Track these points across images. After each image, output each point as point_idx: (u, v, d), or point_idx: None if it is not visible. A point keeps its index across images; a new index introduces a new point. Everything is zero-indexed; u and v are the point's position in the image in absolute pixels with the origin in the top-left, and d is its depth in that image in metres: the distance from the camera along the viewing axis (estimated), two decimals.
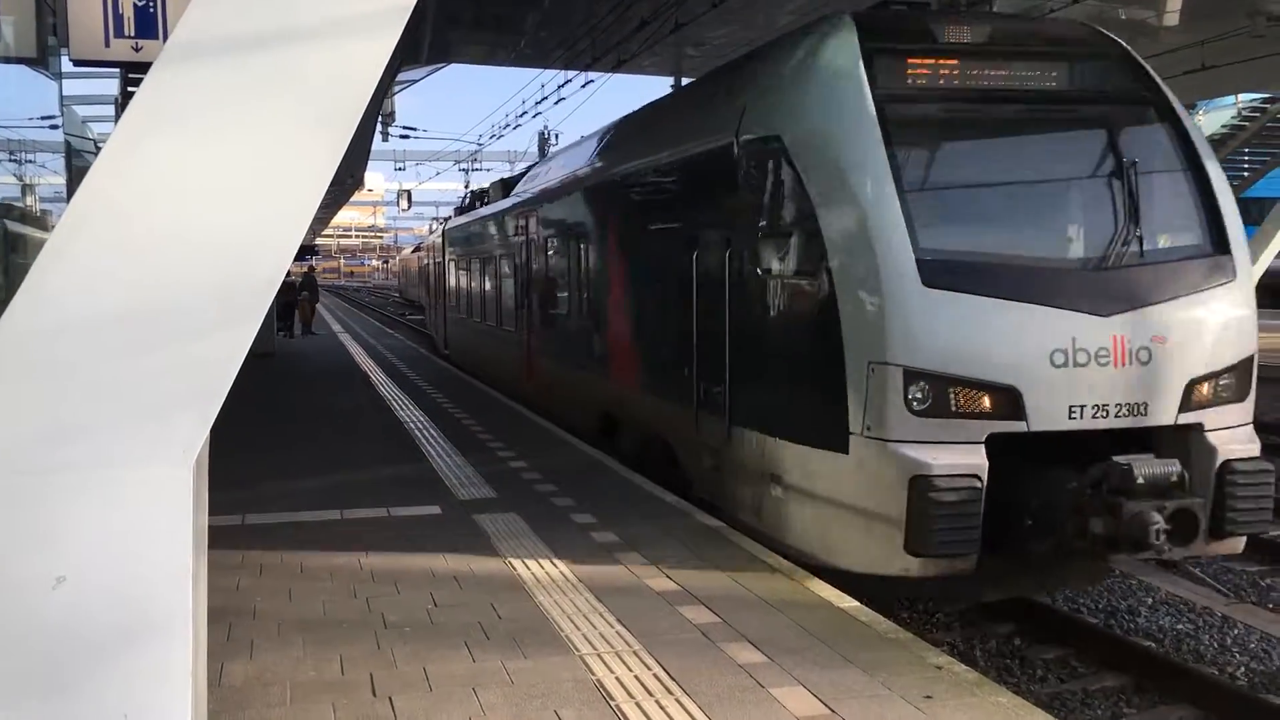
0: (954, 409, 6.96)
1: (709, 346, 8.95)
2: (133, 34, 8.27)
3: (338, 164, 3.53)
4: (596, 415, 12.81)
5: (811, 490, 7.61)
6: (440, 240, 28.94)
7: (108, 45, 8.20)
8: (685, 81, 23.97)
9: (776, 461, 7.93)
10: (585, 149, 14.69)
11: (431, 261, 32.29)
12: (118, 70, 11.92)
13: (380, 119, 28.72)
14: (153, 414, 3.07)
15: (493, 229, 20.94)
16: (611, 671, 5.36)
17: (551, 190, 15.53)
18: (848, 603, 6.44)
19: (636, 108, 13.75)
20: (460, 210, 28.59)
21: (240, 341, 3.24)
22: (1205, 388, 7.31)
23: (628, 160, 11.63)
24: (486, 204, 22.28)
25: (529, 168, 22.27)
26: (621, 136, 13.05)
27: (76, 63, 9.04)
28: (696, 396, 9.23)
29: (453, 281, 26.09)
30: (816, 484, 7.57)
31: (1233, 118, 28.99)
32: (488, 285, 21.30)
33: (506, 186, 20.81)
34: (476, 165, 50.55)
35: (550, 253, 15.48)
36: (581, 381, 13.62)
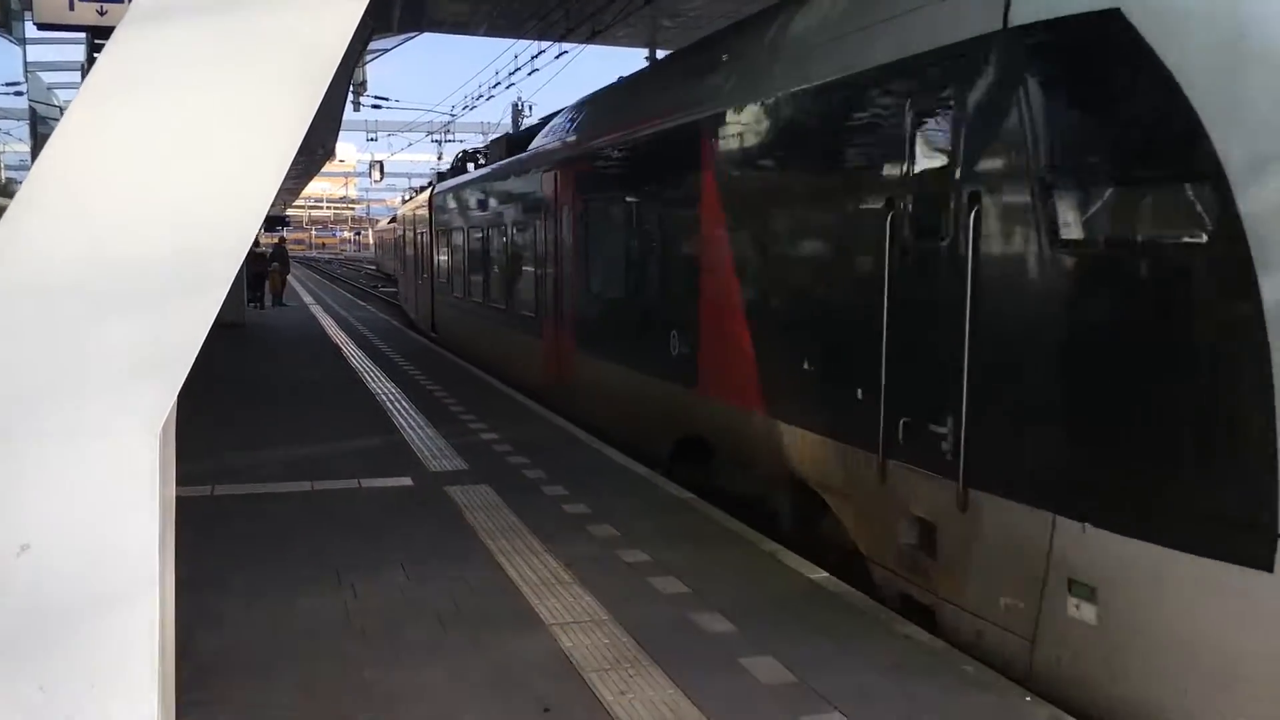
0: None
1: (919, 355, 5.86)
2: None
3: (305, 130, 3.49)
4: (672, 437, 9.35)
5: (1178, 623, 4.52)
6: (425, 208, 25.94)
7: (72, 9, 8.08)
8: (660, 54, 23.85)
9: (1083, 561, 4.85)
10: (662, 81, 11.24)
11: (413, 232, 30.17)
12: (84, 36, 11.74)
13: (351, 88, 28.46)
14: (118, 382, 3.04)
15: (504, 190, 17.13)
16: (581, 642, 5.38)
17: (604, 137, 11.67)
18: (817, 573, 6.48)
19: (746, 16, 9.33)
20: (450, 172, 26.79)
21: (206, 309, 3.20)
22: None
23: (750, 88, 8.00)
24: (484, 164, 19.22)
25: (551, 115, 17.27)
26: (733, 55, 8.87)
27: (41, 27, 8.90)
28: (887, 431, 6.12)
29: (444, 255, 22.54)
30: (1190, 614, 4.47)
31: None
32: (494, 258, 17.33)
33: (514, 144, 17.80)
34: (449, 136, 50.28)
35: (597, 217, 11.78)
36: (645, 389, 10.00)
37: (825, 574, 6.47)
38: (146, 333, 3.11)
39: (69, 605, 2.96)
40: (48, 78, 24.50)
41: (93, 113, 3.26)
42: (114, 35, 3.34)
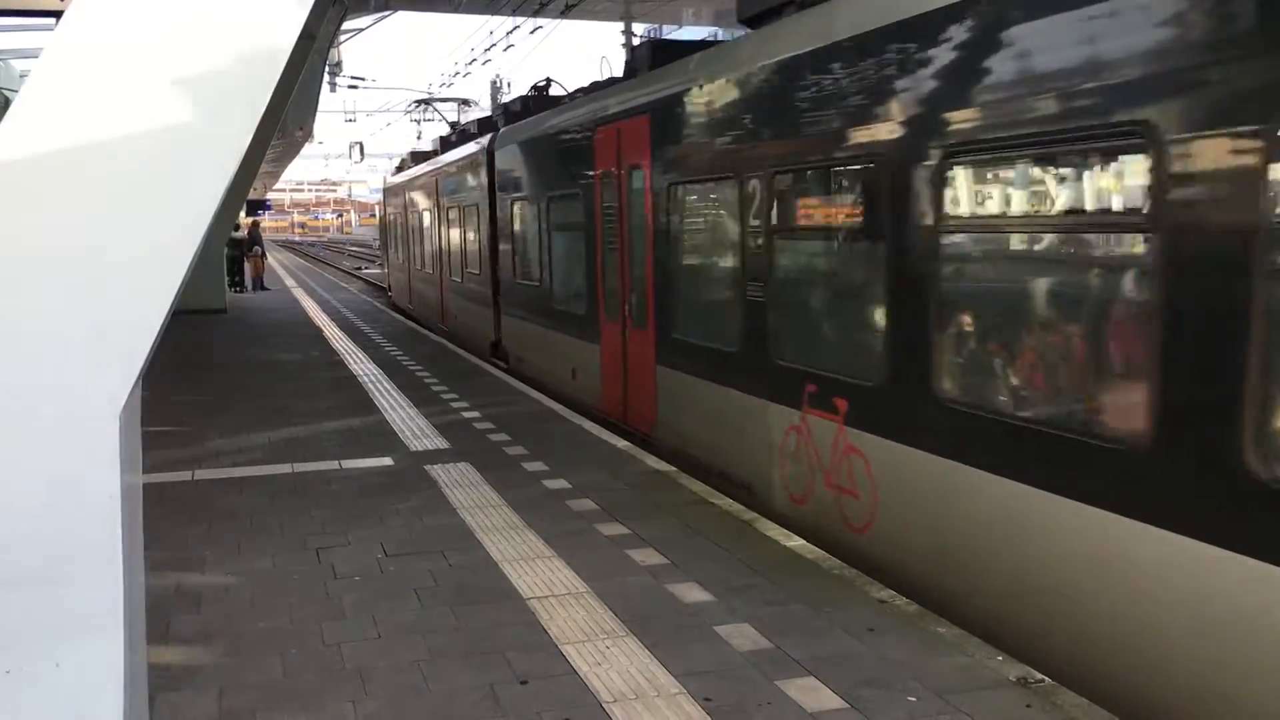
0: None
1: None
2: None
3: (263, 108, 3.48)
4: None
5: None
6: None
7: None
8: (636, 28, 23.71)
9: None
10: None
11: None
12: (54, 21, 11.63)
13: (327, 69, 28.22)
14: (74, 365, 3.03)
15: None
16: (559, 614, 5.42)
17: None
18: (794, 541, 6.52)
19: None
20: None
21: (166, 290, 3.20)
22: None
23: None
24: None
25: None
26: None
27: (3, 12, 8.81)
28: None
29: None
30: None
31: None
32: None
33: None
34: (428, 115, 49.92)
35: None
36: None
37: (801, 541, 6.52)
38: (106, 312, 3.10)
39: (31, 590, 2.96)
40: (20, 65, 24.26)
41: (49, 94, 3.25)
42: (65, 17, 3.32)
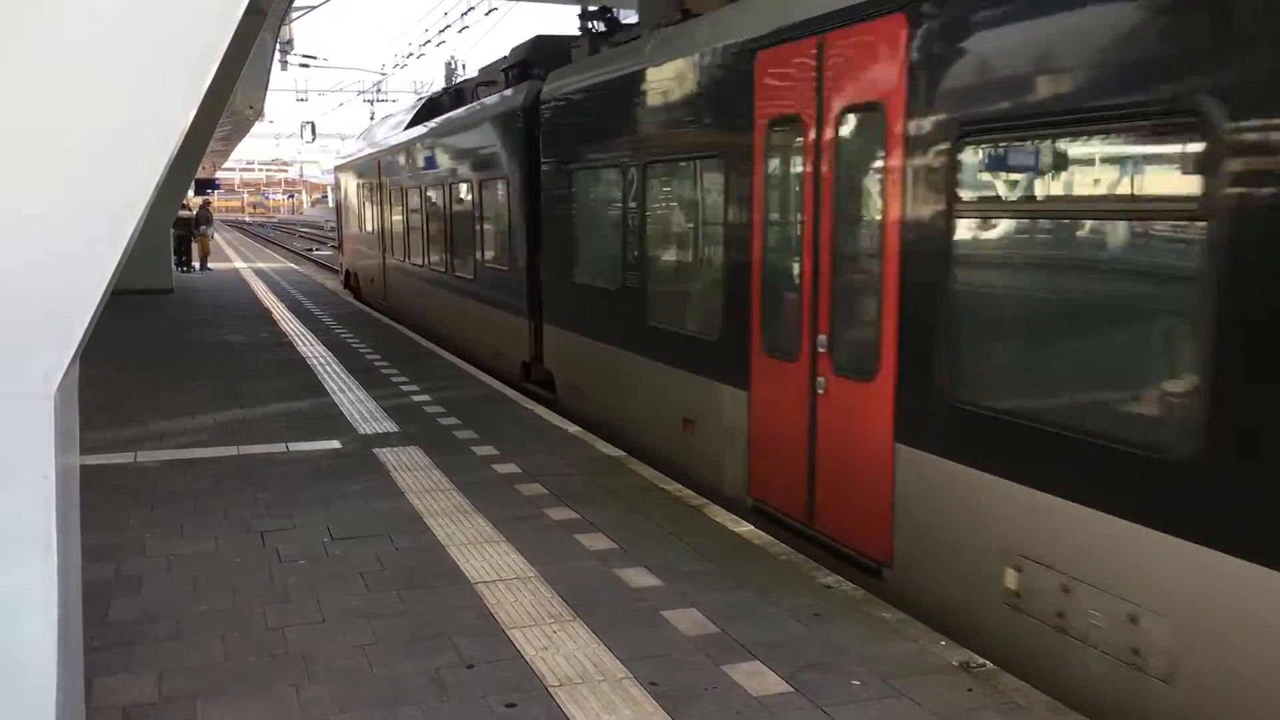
0: None
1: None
2: None
3: (207, 82, 3.39)
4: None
5: None
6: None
7: None
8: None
9: None
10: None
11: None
12: None
13: (279, 47, 27.83)
14: (10, 338, 2.95)
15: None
16: (506, 598, 5.39)
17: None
18: (743, 527, 6.54)
19: None
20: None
21: (105, 263, 3.11)
22: None
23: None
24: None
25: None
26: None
27: None
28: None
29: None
30: None
31: None
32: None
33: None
34: (381, 96, 49.51)
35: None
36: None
37: (750, 527, 6.54)
38: (38, 291, 3.01)
39: None
40: None
41: None
42: None
